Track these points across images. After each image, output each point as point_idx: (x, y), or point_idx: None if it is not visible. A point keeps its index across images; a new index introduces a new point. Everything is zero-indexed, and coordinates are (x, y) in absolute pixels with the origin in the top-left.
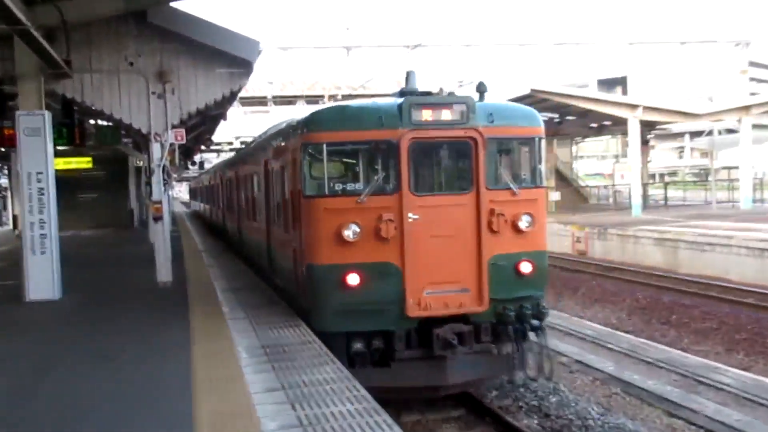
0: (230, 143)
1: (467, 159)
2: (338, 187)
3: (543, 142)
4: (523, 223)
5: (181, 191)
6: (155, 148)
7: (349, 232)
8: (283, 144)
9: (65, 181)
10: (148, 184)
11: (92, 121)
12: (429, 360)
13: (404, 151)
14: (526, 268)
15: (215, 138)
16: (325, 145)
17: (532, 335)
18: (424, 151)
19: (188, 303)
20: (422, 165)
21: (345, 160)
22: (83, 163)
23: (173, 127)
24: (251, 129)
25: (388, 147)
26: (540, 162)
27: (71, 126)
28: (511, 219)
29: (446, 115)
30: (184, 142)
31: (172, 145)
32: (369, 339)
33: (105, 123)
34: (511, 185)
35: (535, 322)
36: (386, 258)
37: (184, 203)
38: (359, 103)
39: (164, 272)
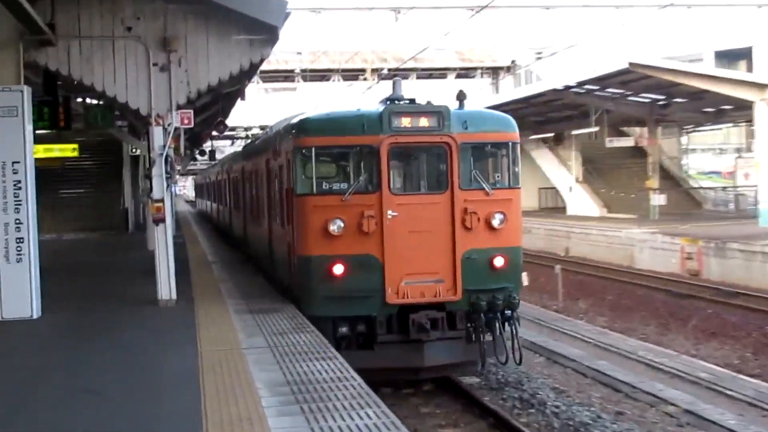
0: (248, 129)
1: (443, 162)
2: (325, 186)
3: (517, 147)
4: (496, 221)
5: (186, 187)
6: (157, 134)
7: (335, 227)
8: (280, 145)
9: (46, 174)
10: (148, 177)
11: (80, 100)
12: (408, 344)
13: (384, 154)
14: (499, 262)
15: (230, 122)
16: (314, 149)
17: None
18: (402, 155)
19: (196, 326)
20: (401, 167)
21: (332, 162)
22: (67, 151)
23: (179, 107)
24: (274, 111)
25: (370, 151)
26: (514, 165)
27: (54, 105)
28: (484, 217)
29: (423, 122)
30: (191, 126)
31: (177, 129)
32: (353, 324)
33: (95, 102)
34: (485, 186)
35: (507, 312)
36: (368, 251)
37: (189, 201)
38: (344, 111)
39: (166, 288)
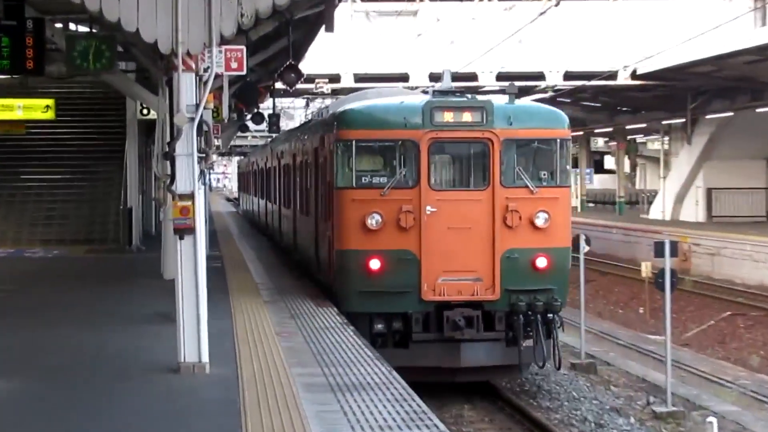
0: (334, 79)
1: (485, 158)
2: (365, 179)
3: (567, 144)
4: (540, 220)
5: (229, 174)
6: (185, 85)
7: (372, 221)
8: (324, 135)
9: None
10: (167, 158)
11: (59, 26)
12: (444, 342)
13: (424, 149)
14: (541, 262)
15: (307, 68)
16: (354, 142)
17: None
18: (443, 150)
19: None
20: (441, 162)
21: (372, 155)
22: (36, 110)
23: (222, 41)
24: (380, 50)
25: (411, 145)
26: (563, 163)
27: (18, 33)
28: (527, 216)
29: (465, 117)
30: (242, 73)
31: (218, 78)
32: (389, 321)
33: (85, 30)
34: (528, 184)
35: (549, 315)
36: (405, 246)
37: (231, 200)
38: (386, 103)
39: (193, 345)
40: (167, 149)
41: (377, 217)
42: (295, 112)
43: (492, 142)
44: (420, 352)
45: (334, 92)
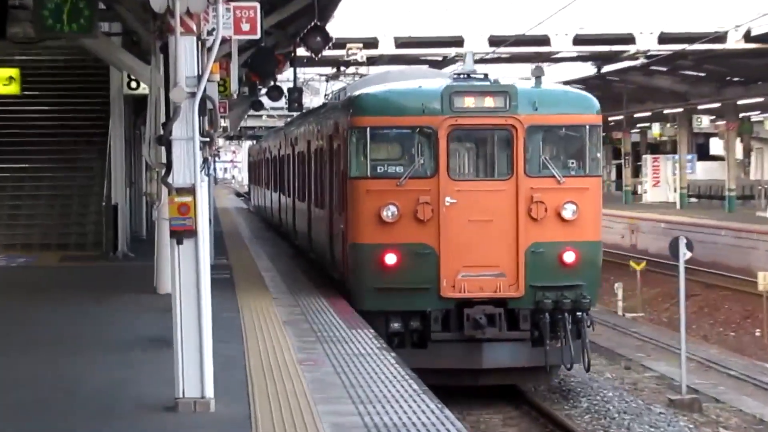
0: (370, 43)
1: (508, 146)
2: (380, 169)
3: (597, 130)
4: (567, 212)
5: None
6: (183, 51)
7: (388, 213)
8: (337, 121)
9: None
10: (162, 142)
11: None
12: (465, 342)
13: (443, 137)
14: (569, 257)
15: (337, 30)
16: (369, 129)
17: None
18: (463, 138)
19: None
20: (461, 151)
21: (388, 143)
22: None
23: None
24: (426, 8)
25: (429, 132)
26: (593, 150)
27: None
28: (554, 207)
29: (488, 102)
30: (257, 36)
31: (225, 43)
32: (406, 319)
33: None
34: (555, 173)
35: (577, 313)
36: (423, 240)
37: (241, 195)
38: (403, 87)
39: (195, 378)
40: (161, 132)
41: (393, 208)
42: (321, 86)
43: (516, 129)
44: (439, 353)
45: (371, 60)
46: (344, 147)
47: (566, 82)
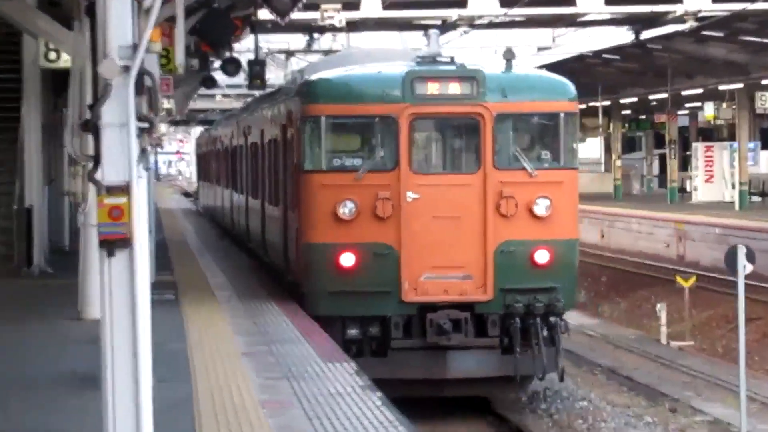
0: (351, 3)
1: (475, 136)
2: (336, 162)
3: (573, 118)
4: (540, 207)
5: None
6: (115, 14)
7: (345, 210)
8: (289, 110)
9: None
10: (88, 128)
11: None
12: (428, 350)
13: (405, 126)
14: (542, 257)
15: None
16: (323, 118)
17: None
18: (427, 127)
19: None
20: (425, 142)
21: (345, 134)
22: None
23: None
24: None
25: (389, 122)
26: (569, 140)
27: None
28: (525, 202)
29: (453, 88)
30: None
31: (168, 4)
32: (365, 325)
33: None
34: (526, 166)
35: (551, 318)
36: (382, 239)
37: (189, 195)
38: (361, 72)
39: (129, 429)
40: (88, 116)
41: (350, 205)
42: (289, 59)
43: (483, 118)
44: (401, 362)
45: (351, 26)
46: (297, 137)
47: (598, 52)
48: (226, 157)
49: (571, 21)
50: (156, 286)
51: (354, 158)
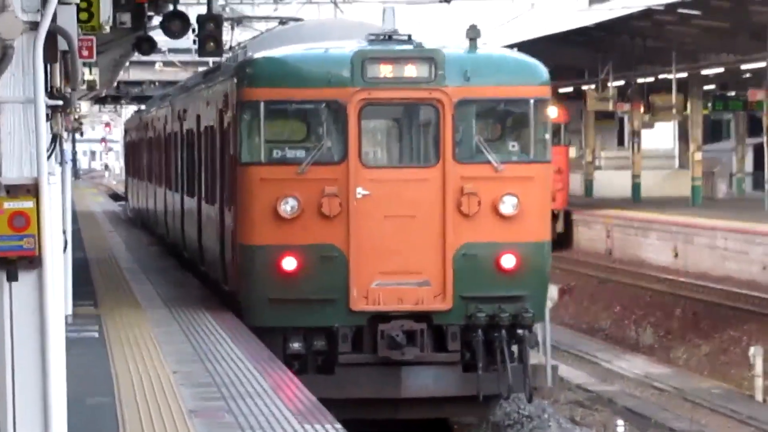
0: None
1: (433, 125)
2: (277, 153)
3: (544, 104)
4: (506, 206)
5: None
6: None
7: (287, 208)
8: (227, 94)
9: None
10: None
11: None
12: (380, 366)
13: (354, 114)
14: (508, 261)
15: None
16: (262, 104)
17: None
18: (379, 115)
19: None
20: (377, 131)
21: (286, 121)
22: None
23: None
24: None
25: (336, 108)
26: (540, 130)
27: None
28: (490, 200)
29: (409, 71)
30: None
31: None
32: (309, 338)
33: None
34: (491, 159)
35: (519, 330)
36: (329, 240)
37: (118, 197)
38: (305, 52)
39: None
40: None
41: (293, 202)
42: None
43: (443, 104)
44: (349, 379)
45: None
46: (234, 125)
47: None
48: (159, 147)
49: None
50: (74, 319)
51: (297, 149)
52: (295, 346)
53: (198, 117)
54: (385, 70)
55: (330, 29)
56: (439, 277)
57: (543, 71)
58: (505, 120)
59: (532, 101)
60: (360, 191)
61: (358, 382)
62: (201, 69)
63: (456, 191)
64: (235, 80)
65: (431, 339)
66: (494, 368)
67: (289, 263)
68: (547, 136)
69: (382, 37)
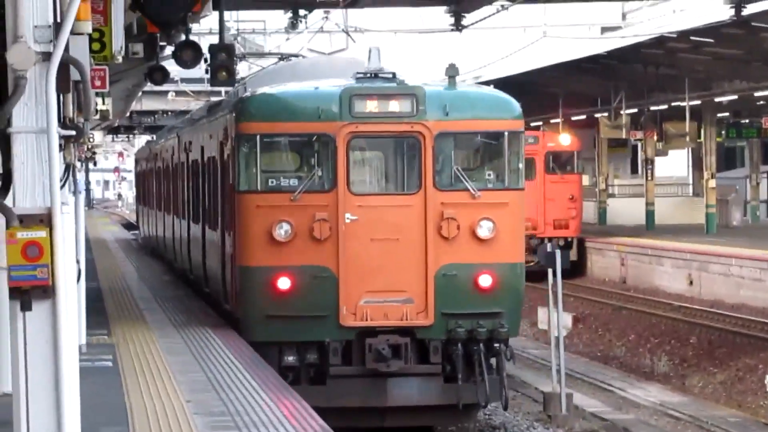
0: None
1: (415, 156)
2: (272, 182)
3: (519, 137)
4: (483, 230)
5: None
6: None
7: (281, 232)
8: (226, 127)
9: None
10: None
11: None
12: (368, 378)
13: (342, 145)
14: (485, 281)
15: None
16: (258, 137)
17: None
18: (365, 146)
19: None
20: (363, 161)
21: (280, 153)
22: None
23: None
24: None
25: (326, 141)
26: (514, 160)
27: None
28: (468, 224)
29: (392, 106)
30: None
31: None
32: (302, 351)
33: None
34: (469, 186)
35: (496, 345)
36: (320, 261)
37: (131, 227)
38: (297, 89)
39: None
40: None
41: (286, 226)
42: (268, 41)
43: (424, 137)
44: (340, 390)
45: (352, 2)
46: (233, 156)
47: (684, 33)
48: (167, 177)
49: None
50: (88, 349)
51: (290, 178)
52: (290, 359)
53: (202, 148)
54: (371, 106)
55: (322, 67)
56: (421, 295)
57: (516, 106)
58: (481, 151)
59: (506, 133)
60: (348, 216)
61: (347, 392)
62: (213, 99)
63: (436, 216)
64: (234, 115)
65: (415, 352)
66: (473, 379)
67: (283, 283)
68: (521, 166)
69: (368, 75)
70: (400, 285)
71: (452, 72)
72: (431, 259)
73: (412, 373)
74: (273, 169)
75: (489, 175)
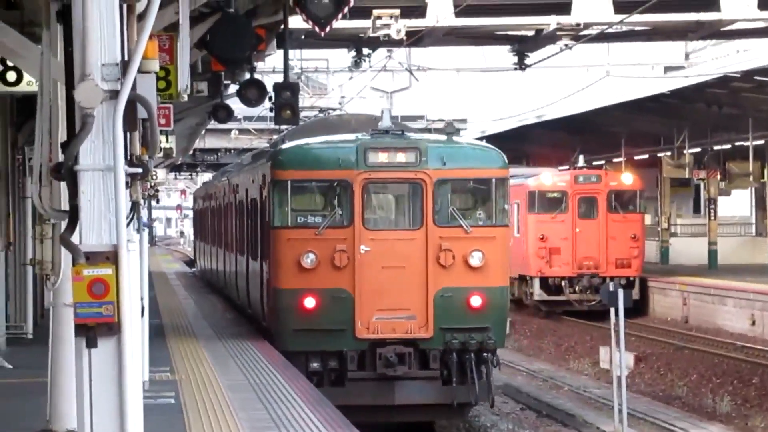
0: (413, 8)
1: (418, 198)
2: (300, 219)
3: (504, 183)
4: (474, 259)
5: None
6: (96, 18)
7: (308, 260)
8: (264, 174)
9: None
10: (62, 175)
11: None
12: (378, 381)
13: (358, 189)
14: (476, 301)
15: None
16: (290, 182)
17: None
18: (377, 190)
19: None
20: (376, 202)
21: (307, 195)
22: None
23: None
24: None
25: (345, 185)
26: (500, 202)
27: None
28: (462, 255)
29: (399, 157)
30: None
31: (167, 6)
32: (325, 359)
33: None
34: (462, 223)
35: (485, 354)
36: (339, 284)
37: (192, 263)
38: (322, 142)
39: None
40: (61, 158)
41: (312, 256)
42: (330, 79)
43: (425, 182)
44: (356, 391)
45: (413, 37)
46: (269, 198)
47: (748, 73)
48: (219, 215)
49: (712, 31)
50: (150, 386)
51: (315, 216)
52: (314, 365)
53: (246, 190)
54: (382, 157)
55: (346, 122)
56: (423, 312)
57: (502, 158)
58: (473, 194)
59: (494, 180)
60: (363, 248)
61: (362, 393)
62: (274, 137)
63: (436, 248)
64: (271, 163)
65: (417, 360)
66: (466, 382)
67: (309, 302)
68: (506, 206)
69: (381, 131)
70: (405, 304)
71: (450, 130)
72: (431, 283)
73: (415, 377)
74: (301, 209)
75: (479, 214)
